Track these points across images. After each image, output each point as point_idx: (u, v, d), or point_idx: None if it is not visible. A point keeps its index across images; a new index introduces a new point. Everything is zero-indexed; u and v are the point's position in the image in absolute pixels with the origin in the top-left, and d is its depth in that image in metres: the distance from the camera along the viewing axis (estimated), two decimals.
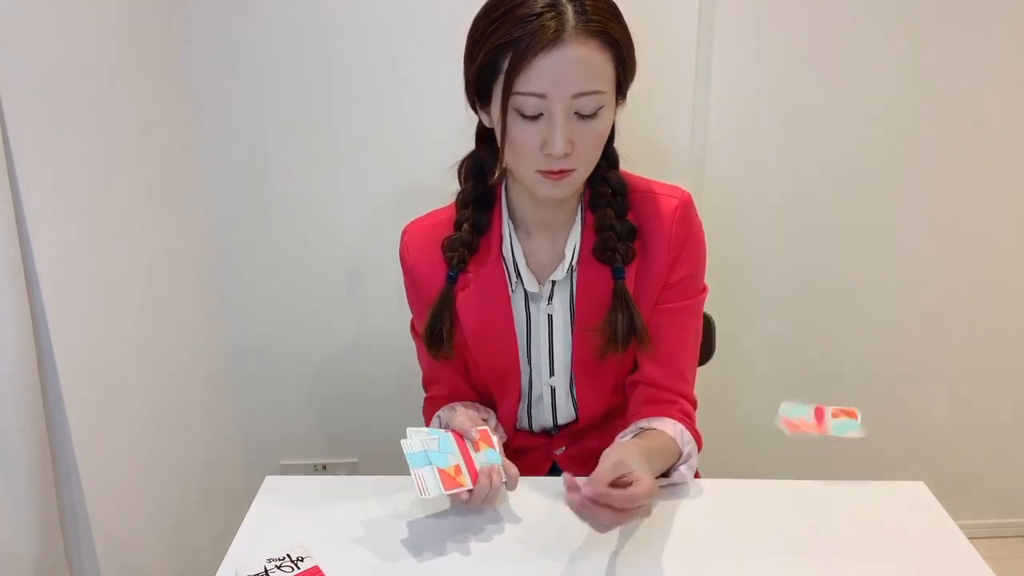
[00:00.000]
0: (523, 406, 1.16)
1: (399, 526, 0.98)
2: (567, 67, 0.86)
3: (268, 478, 1.08)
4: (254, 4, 1.48)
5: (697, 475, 1.10)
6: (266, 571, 0.90)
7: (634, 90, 0.97)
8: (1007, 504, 1.94)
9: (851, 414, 1.07)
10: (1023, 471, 1.91)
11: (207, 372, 1.66)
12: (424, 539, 0.96)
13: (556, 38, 0.85)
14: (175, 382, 1.50)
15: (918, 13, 1.52)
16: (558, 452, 1.19)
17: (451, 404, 1.12)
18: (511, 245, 1.06)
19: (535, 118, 0.90)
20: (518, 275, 1.06)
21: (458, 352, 1.09)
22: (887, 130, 1.60)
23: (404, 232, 1.11)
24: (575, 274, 1.05)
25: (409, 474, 0.94)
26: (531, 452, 1.19)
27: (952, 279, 1.72)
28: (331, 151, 1.59)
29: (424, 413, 1.19)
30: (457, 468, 0.96)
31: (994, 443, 1.87)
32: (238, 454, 1.82)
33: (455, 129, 1.07)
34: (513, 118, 0.90)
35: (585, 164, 0.95)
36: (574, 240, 1.04)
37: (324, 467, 1.87)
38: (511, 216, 1.07)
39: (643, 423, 1.04)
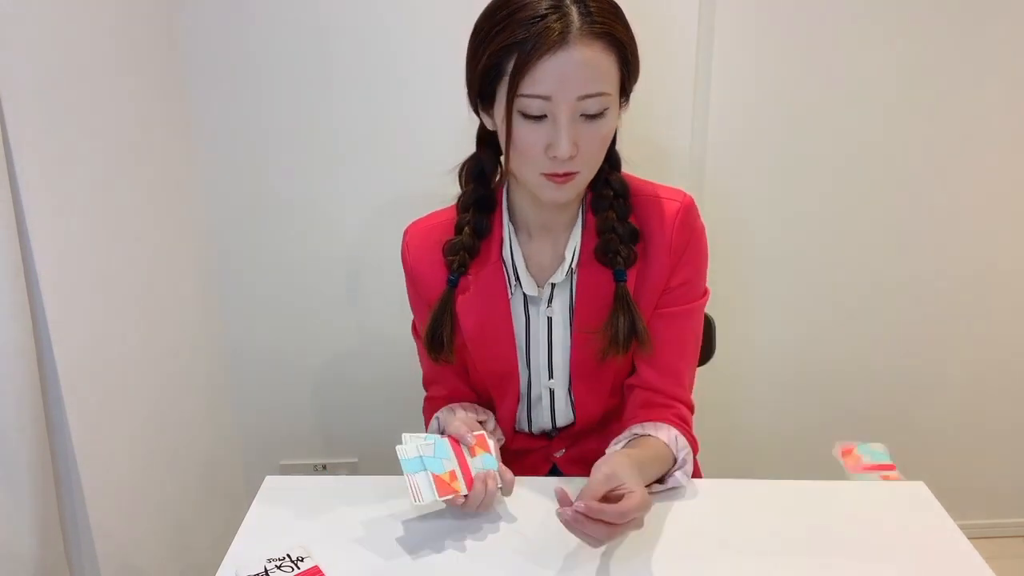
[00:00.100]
0: (522, 408, 1.15)
1: (399, 526, 0.98)
2: (572, 69, 0.86)
3: (268, 478, 1.08)
4: (254, 4, 1.48)
5: (697, 475, 1.10)
6: (266, 571, 0.90)
7: (634, 90, 0.97)
8: (1007, 504, 1.94)
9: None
10: (1023, 471, 1.91)
11: (207, 372, 1.66)
12: (424, 539, 0.96)
13: (561, 40, 0.85)
14: (175, 382, 1.50)
15: (918, 13, 1.52)
16: (558, 454, 1.19)
17: (450, 406, 1.12)
18: (511, 248, 1.05)
19: (539, 120, 0.89)
20: (517, 278, 1.06)
21: (458, 354, 1.08)
22: (887, 130, 1.60)
23: (405, 233, 1.11)
24: (575, 277, 1.05)
25: None
26: (531, 454, 1.19)
27: (952, 279, 1.72)
28: (331, 151, 1.59)
29: (424, 413, 1.19)
30: (452, 474, 0.96)
31: (994, 443, 1.87)
32: (238, 454, 1.82)
33: (456, 131, 1.07)
34: (517, 120, 0.90)
35: (589, 166, 0.95)
36: (574, 242, 1.04)
37: (324, 467, 1.87)
38: (512, 219, 1.06)
39: (637, 429, 1.04)
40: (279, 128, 1.57)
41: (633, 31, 0.92)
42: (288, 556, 0.92)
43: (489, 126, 0.98)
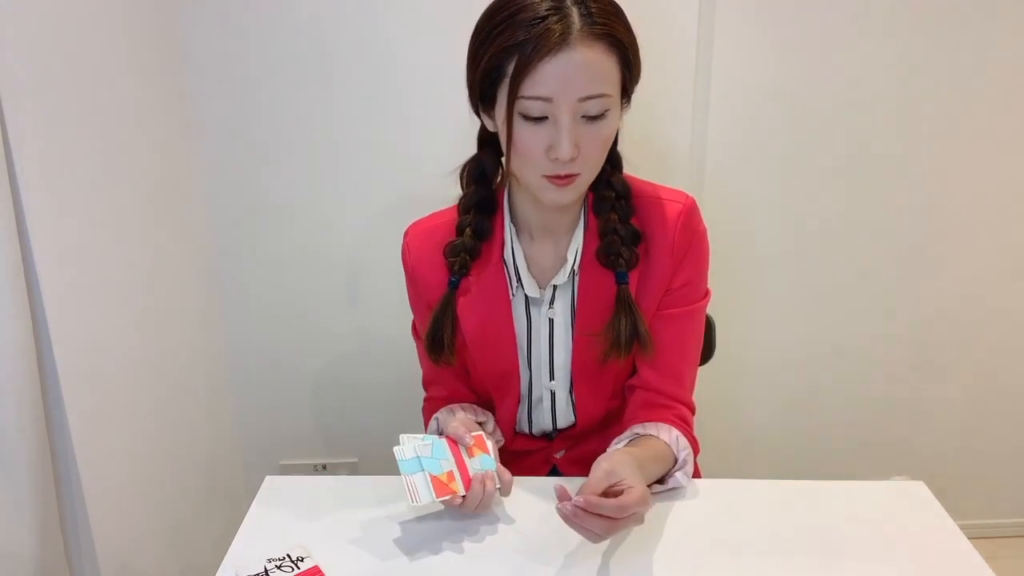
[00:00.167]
0: (523, 409, 1.15)
1: (399, 526, 0.98)
2: (573, 70, 0.86)
3: (268, 478, 1.08)
4: (255, 4, 1.48)
5: (697, 475, 1.10)
6: (266, 571, 0.90)
7: (634, 91, 0.97)
8: (1007, 504, 1.94)
9: None
10: (1023, 471, 1.91)
11: (207, 372, 1.66)
12: (423, 539, 0.96)
13: (562, 41, 0.85)
14: (175, 382, 1.50)
15: (918, 13, 1.52)
16: (558, 456, 1.19)
17: (449, 406, 1.12)
18: (512, 249, 1.05)
19: (540, 122, 0.89)
20: (519, 279, 1.06)
21: (458, 356, 1.08)
22: (887, 130, 1.60)
23: (406, 234, 1.11)
24: (577, 278, 1.05)
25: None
26: (531, 455, 1.19)
27: (952, 279, 1.72)
28: (332, 151, 1.59)
29: (423, 414, 1.19)
30: (450, 475, 0.96)
31: (994, 443, 1.87)
32: (238, 454, 1.82)
33: (456, 132, 1.07)
34: (518, 122, 0.90)
35: (590, 168, 0.94)
36: (576, 244, 1.04)
37: (324, 467, 1.87)
38: (513, 220, 1.06)
39: (638, 428, 1.04)
40: (279, 128, 1.57)
41: (633, 32, 0.92)
42: (288, 556, 0.92)
43: (490, 128, 0.97)
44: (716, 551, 0.93)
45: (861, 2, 1.51)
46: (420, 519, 0.99)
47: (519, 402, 1.13)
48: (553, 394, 1.13)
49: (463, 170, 1.06)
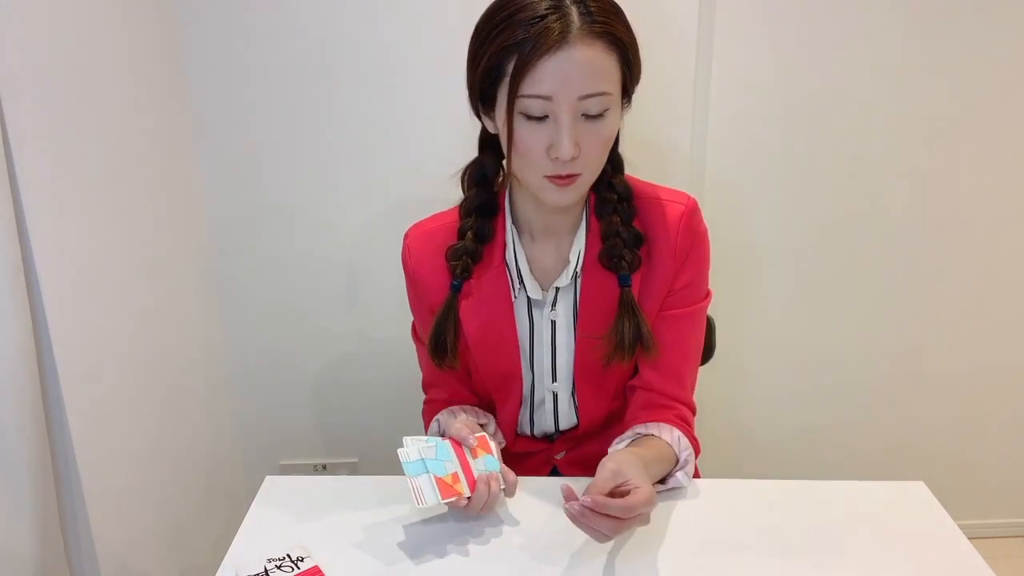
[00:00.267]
0: (525, 411, 1.15)
1: (399, 526, 0.98)
2: (573, 69, 0.86)
3: (268, 478, 1.08)
4: (255, 5, 1.48)
5: (697, 475, 1.10)
6: (266, 571, 0.90)
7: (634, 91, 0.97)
8: (1007, 504, 1.94)
9: None
10: (1023, 471, 1.91)
11: (207, 372, 1.66)
12: (424, 539, 0.96)
13: (561, 39, 0.85)
14: (175, 382, 1.50)
15: (918, 13, 1.52)
16: (559, 457, 1.19)
17: (451, 408, 1.11)
18: (514, 252, 1.05)
19: (541, 121, 0.89)
20: (521, 281, 1.06)
21: (460, 358, 1.08)
22: (887, 130, 1.60)
23: (406, 236, 1.10)
24: (579, 280, 1.05)
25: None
26: (532, 457, 1.19)
27: (952, 278, 1.72)
28: (332, 152, 1.59)
29: (423, 416, 1.18)
30: (455, 476, 0.95)
31: (994, 443, 1.87)
32: (238, 454, 1.82)
33: (456, 133, 1.07)
34: (519, 121, 0.90)
35: (591, 169, 0.94)
36: (579, 246, 1.04)
37: (324, 467, 1.87)
38: (515, 222, 1.06)
39: (640, 428, 1.04)
40: (279, 129, 1.57)
41: (633, 31, 0.92)
42: (288, 556, 0.92)
43: (491, 129, 0.97)
44: (716, 551, 0.93)
45: (861, 2, 1.51)
46: (421, 519, 0.99)
47: (521, 404, 1.13)
48: (556, 396, 1.13)
49: (464, 173, 1.06)
